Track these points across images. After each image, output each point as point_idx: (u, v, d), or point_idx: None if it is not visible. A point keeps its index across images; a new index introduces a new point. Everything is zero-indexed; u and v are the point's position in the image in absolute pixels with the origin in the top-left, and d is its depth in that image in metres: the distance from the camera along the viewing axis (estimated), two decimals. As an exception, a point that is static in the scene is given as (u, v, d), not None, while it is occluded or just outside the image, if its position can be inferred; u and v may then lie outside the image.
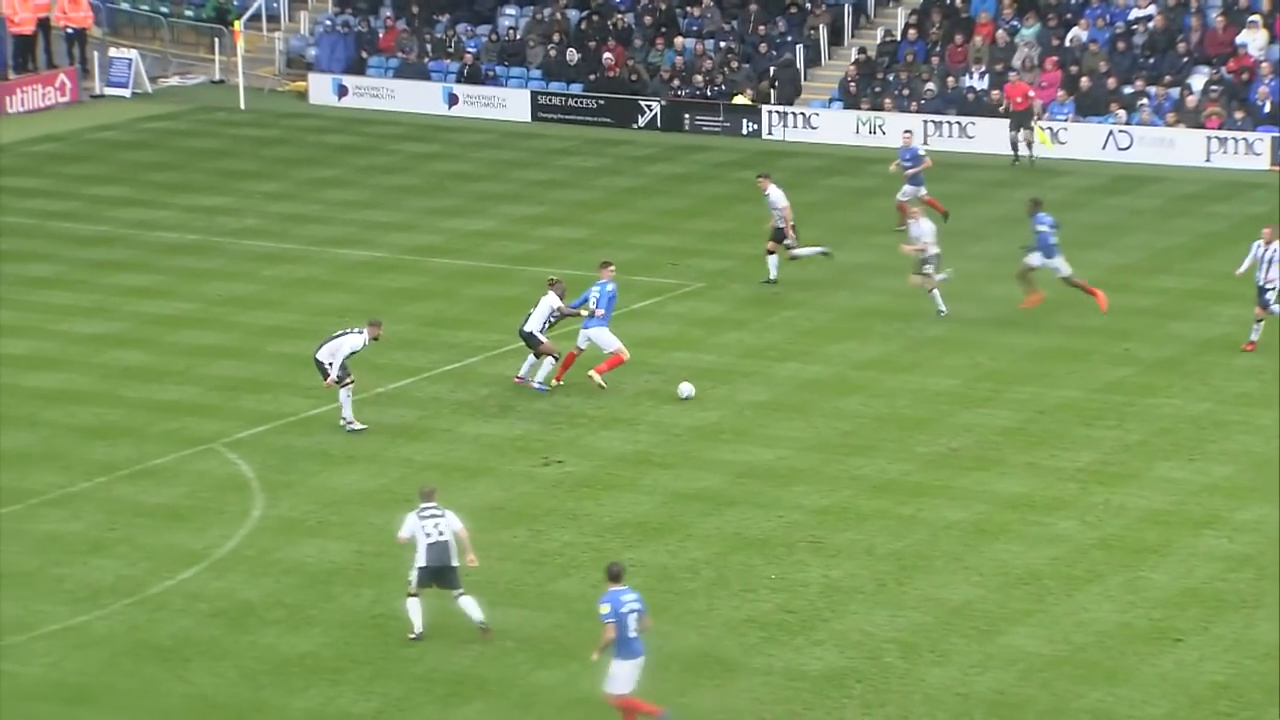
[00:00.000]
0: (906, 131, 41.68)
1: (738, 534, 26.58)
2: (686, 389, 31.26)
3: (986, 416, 30.67)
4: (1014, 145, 46.66)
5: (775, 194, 36.45)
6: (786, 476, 28.48)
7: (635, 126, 50.95)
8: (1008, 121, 46.77)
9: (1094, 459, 28.97)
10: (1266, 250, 32.75)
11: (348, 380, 30.18)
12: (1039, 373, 32.69)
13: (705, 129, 50.43)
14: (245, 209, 43.60)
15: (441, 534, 23.73)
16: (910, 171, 40.26)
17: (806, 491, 27.88)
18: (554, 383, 31.76)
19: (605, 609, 21.37)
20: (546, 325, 31.54)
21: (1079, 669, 22.76)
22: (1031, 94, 46.92)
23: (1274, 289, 32.82)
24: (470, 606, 23.65)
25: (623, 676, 21.44)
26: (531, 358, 31.83)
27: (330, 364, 29.98)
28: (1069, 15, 50.46)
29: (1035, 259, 34.64)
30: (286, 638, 23.73)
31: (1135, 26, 49.58)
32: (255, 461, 29.14)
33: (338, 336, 30.34)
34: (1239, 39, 48.51)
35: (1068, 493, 27.73)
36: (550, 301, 31.53)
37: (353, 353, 30.11)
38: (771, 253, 36.67)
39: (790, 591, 24.86)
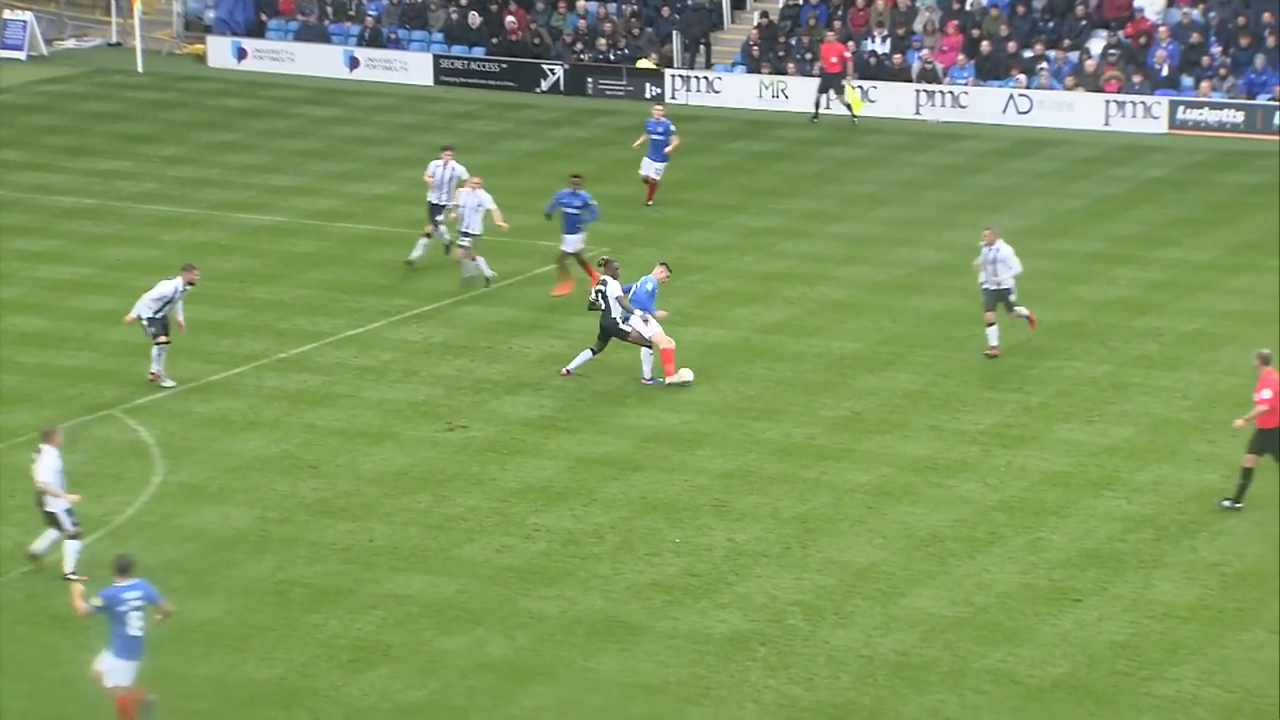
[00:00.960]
0: (658, 105, 40.50)
1: (643, 498, 26.68)
2: (687, 374, 30.72)
3: (890, 380, 30.89)
4: (816, 104, 46.92)
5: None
6: (691, 441, 28.57)
7: (538, 90, 50.90)
8: (817, 81, 47.17)
9: (996, 421, 29.21)
10: (989, 251, 31.57)
11: (161, 338, 29.83)
12: (942, 336, 32.93)
13: (609, 93, 50.42)
14: (144, 173, 43.34)
15: None
16: (668, 150, 39.32)
17: (711, 456, 27.99)
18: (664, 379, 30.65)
19: (98, 602, 20.68)
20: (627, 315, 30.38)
21: (981, 630, 22.95)
22: (846, 55, 47.26)
23: (997, 288, 31.33)
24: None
25: (120, 671, 20.72)
26: (588, 353, 30.79)
27: (141, 317, 29.62)
28: (969, -19, 50.89)
29: (569, 244, 33.84)
30: (188, 604, 23.47)
31: (1034, -9, 50.07)
32: (156, 427, 28.98)
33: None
34: (1137, 3, 49.13)
35: (970, 455, 27.97)
36: (614, 290, 30.52)
37: (163, 299, 29.59)
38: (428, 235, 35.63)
39: (695, 555, 24.95)
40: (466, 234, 34.64)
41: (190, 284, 30.06)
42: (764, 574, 24.46)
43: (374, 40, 52.98)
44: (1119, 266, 36.57)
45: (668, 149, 39.73)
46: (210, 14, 55.19)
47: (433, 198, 35.64)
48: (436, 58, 52.17)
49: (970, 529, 25.62)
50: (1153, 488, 26.79)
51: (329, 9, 54.18)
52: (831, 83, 46.99)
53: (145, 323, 29.95)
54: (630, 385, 30.57)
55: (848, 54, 47.45)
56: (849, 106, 46.89)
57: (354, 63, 52.76)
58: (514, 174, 43.64)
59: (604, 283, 30.73)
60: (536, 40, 51.96)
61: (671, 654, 22.47)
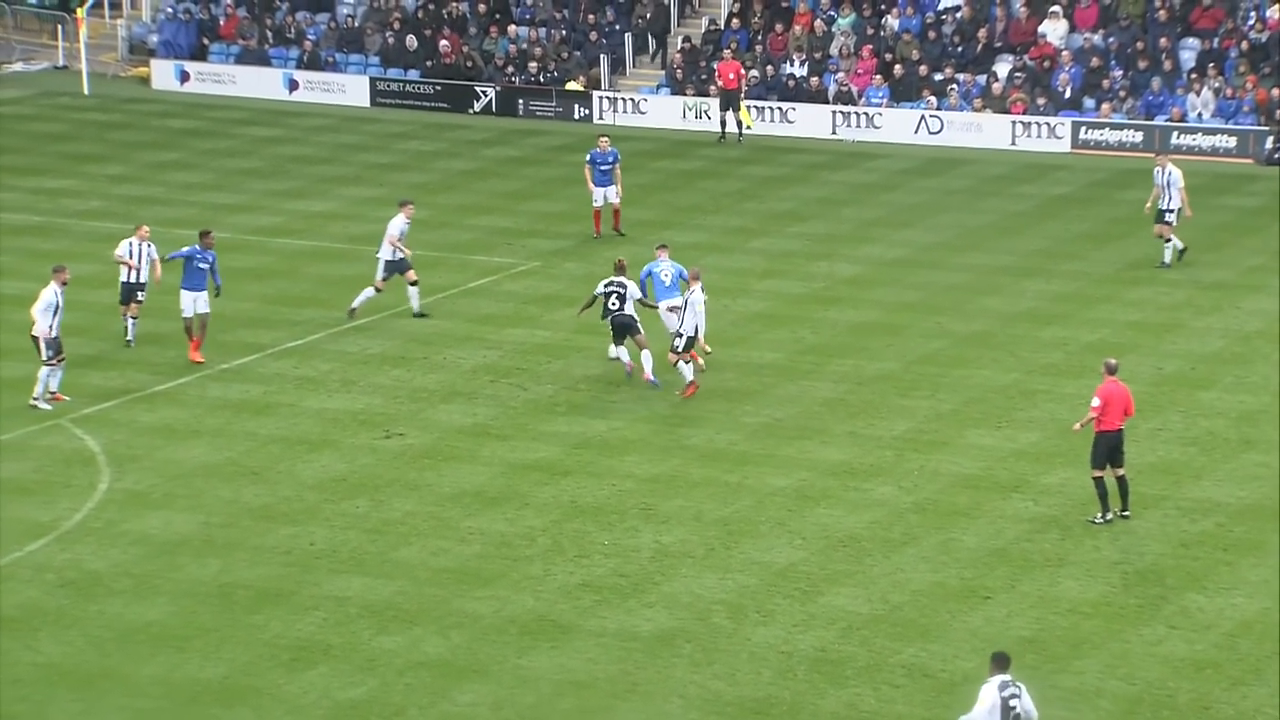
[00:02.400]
0: (604, 137, 40.07)
1: (573, 502, 27.00)
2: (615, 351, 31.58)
3: (809, 388, 31.32)
4: (722, 123, 47.85)
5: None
6: (619, 447, 28.95)
7: (471, 111, 51.59)
8: (717, 100, 47.95)
9: (909, 427, 29.74)
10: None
11: (53, 360, 29.91)
12: (858, 346, 33.44)
13: (539, 114, 51.21)
14: (89, 191, 43.56)
15: None
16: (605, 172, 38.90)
17: (638, 461, 28.38)
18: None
19: None
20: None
21: (896, 626, 23.31)
22: (742, 73, 48.18)
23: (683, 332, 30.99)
24: None
25: None
26: (616, 349, 31.60)
27: (38, 338, 29.70)
28: (883, 6, 51.85)
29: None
30: (133, 607, 23.83)
31: (945, 16, 51.05)
32: (102, 436, 29.20)
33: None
34: (1041, 28, 49.97)
35: (885, 460, 28.41)
36: (634, 291, 31.41)
37: (51, 307, 29.69)
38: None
39: (623, 557, 25.29)
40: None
41: (64, 284, 30.17)
42: (689, 574, 24.78)
43: (313, 63, 53.55)
44: (1026, 279, 37.17)
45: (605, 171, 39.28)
46: (154, 38, 55.44)
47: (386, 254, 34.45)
48: (373, 80, 52.80)
49: (885, 530, 26.07)
50: (1058, 490, 27.24)
51: (269, 34, 54.72)
52: (731, 99, 47.89)
53: (44, 344, 29.85)
54: (561, 394, 31.05)
55: (743, 71, 48.36)
56: (739, 122, 47.79)
57: (293, 85, 53.31)
58: (448, 192, 44.12)
59: (623, 285, 31.42)
60: (469, 63, 52.70)
61: (600, 651, 22.74)
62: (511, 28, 53.09)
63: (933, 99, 48.90)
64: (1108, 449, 26.29)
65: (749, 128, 47.73)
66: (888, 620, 23.63)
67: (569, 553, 25.58)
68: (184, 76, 53.92)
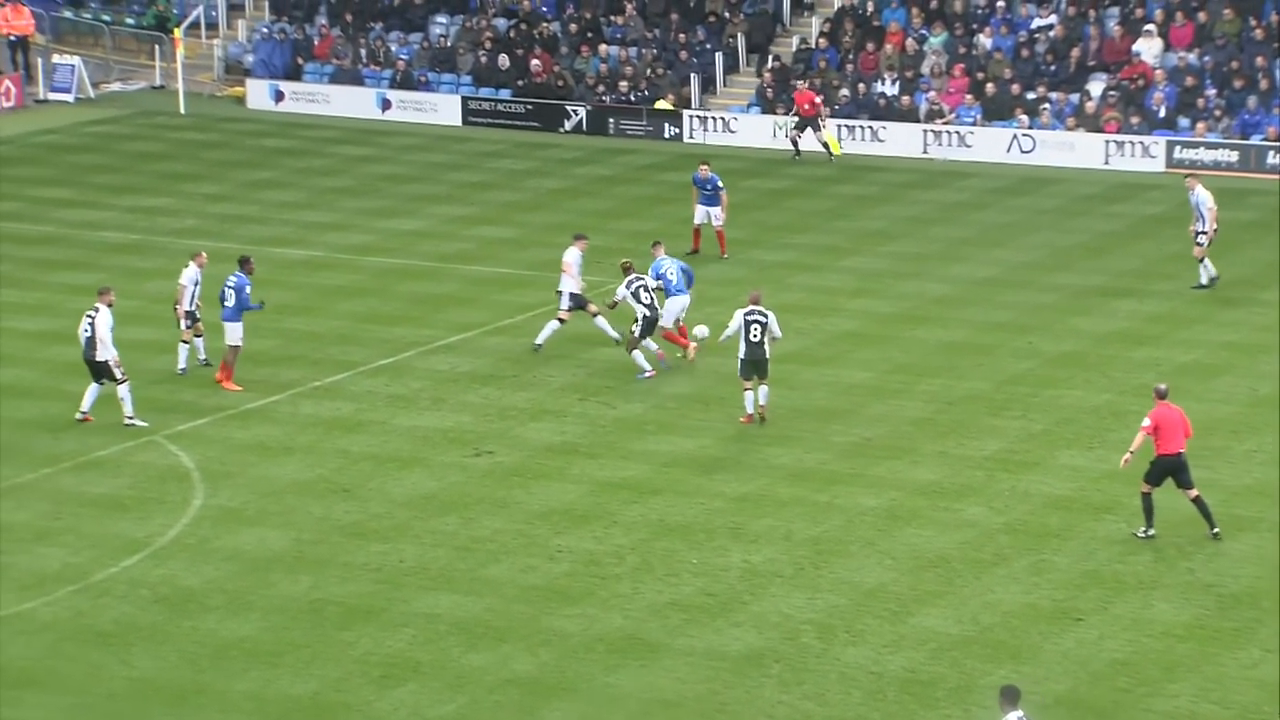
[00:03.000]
0: (704, 164, 40.17)
1: (661, 521, 27.07)
2: (701, 330, 32.38)
3: (898, 408, 31.29)
4: (794, 143, 48.32)
5: None
6: (708, 466, 28.99)
7: (562, 130, 51.83)
8: (794, 123, 48.36)
9: (1000, 448, 29.66)
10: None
11: (121, 378, 30.31)
12: (948, 366, 33.39)
13: (629, 133, 51.38)
14: (185, 210, 43.95)
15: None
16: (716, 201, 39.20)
17: (727, 480, 28.41)
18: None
19: None
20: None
21: (986, 648, 23.21)
22: (818, 100, 48.36)
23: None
24: None
25: None
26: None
27: (109, 360, 30.15)
28: (975, 24, 51.69)
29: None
30: (226, 623, 24.05)
31: (1037, 35, 50.84)
32: (196, 453, 29.49)
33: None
34: (1135, 47, 49.68)
35: (975, 480, 28.35)
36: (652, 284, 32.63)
37: (110, 328, 30.19)
38: None
39: (711, 576, 25.31)
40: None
41: (109, 305, 30.58)
42: (778, 594, 24.80)
43: (405, 83, 53.99)
44: (1119, 299, 36.99)
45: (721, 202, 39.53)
46: (250, 58, 56.07)
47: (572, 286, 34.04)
48: (465, 99, 53.15)
49: (976, 551, 25.99)
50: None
51: (362, 53, 55.20)
52: (808, 124, 48.19)
53: (115, 363, 30.30)
54: (651, 412, 31.14)
55: (819, 99, 48.54)
56: (826, 146, 47.94)
57: (386, 104, 53.74)
58: (539, 210, 44.36)
59: (644, 284, 32.21)
60: (560, 82, 52.95)
61: (689, 671, 22.74)
62: (603, 47, 53.31)
63: (1025, 118, 48.71)
64: (1165, 471, 26.20)
65: (837, 156, 47.67)
66: (978, 642, 23.53)
67: (657, 571, 25.62)
68: (279, 96, 54.48)
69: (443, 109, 53.08)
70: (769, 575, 25.46)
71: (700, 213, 39.57)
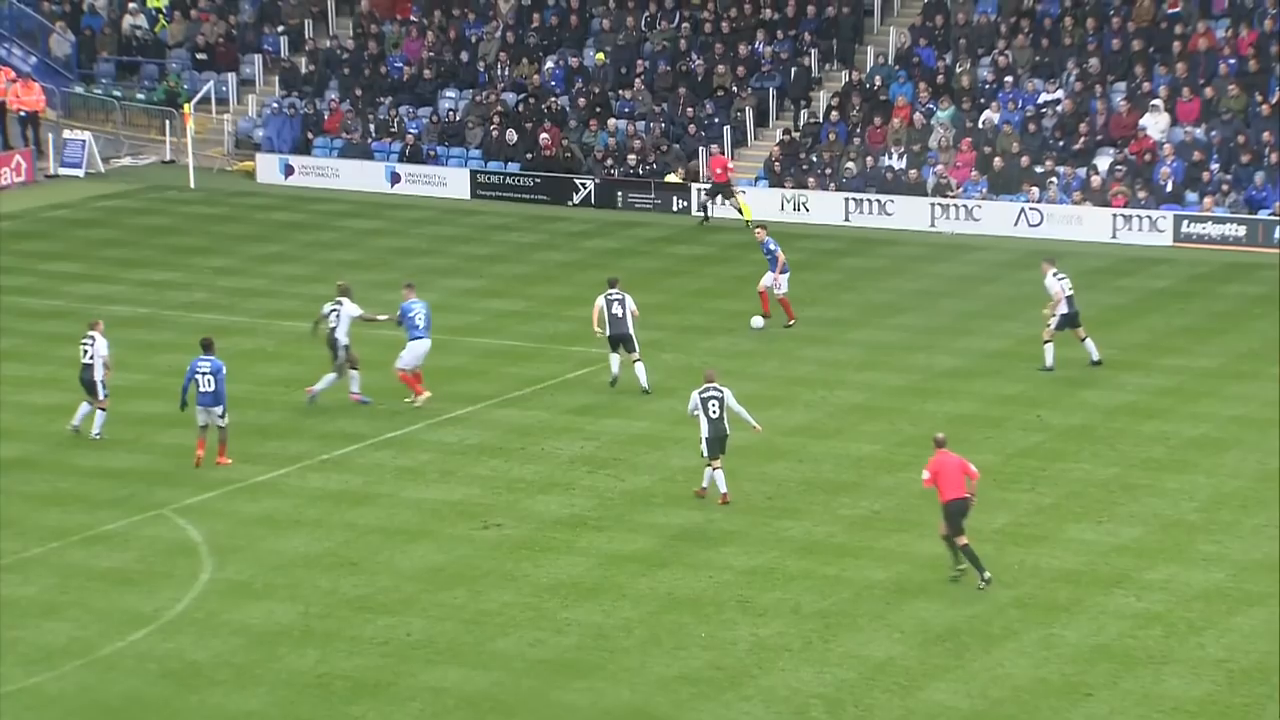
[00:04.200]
0: (759, 228, 40.83)
1: (669, 594, 27.04)
2: (757, 322, 33.89)
3: (907, 481, 31.14)
4: (704, 208, 49.59)
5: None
6: (716, 539, 28.98)
7: (570, 203, 52.03)
8: (708, 188, 49.68)
9: (1009, 521, 29.65)
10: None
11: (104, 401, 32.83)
12: (956, 438, 32.85)
13: (638, 206, 51.58)
14: (194, 283, 44.06)
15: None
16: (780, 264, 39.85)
17: (735, 553, 28.40)
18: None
19: None
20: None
21: None
22: (730, 166, 49.51)
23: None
24: None
25: None
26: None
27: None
28: (982, 99, 51.95)
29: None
30: (233, 697, 24.03)
31: (1044, 110, 51.07)
32: (203, 526, 29.52)
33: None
34: (1142, 122, 49.84)
35: (985, 553, 28.07)
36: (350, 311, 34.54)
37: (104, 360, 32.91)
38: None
39: (720, 649, 25.29)
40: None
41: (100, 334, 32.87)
42: (787, 667, 24.75)
43: (414, 157, 54.25)
44: (1127, 373, 36.98)
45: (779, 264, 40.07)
46: (259, 133, 56.41)
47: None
48: (474, 172, 53.39)
49: (985, 624, 25.93)
50: (1161, 586, 27.07)
51: (372, 128, 55.50)
52: (720, 190, 49.18)
53: (102, 385, 32.70)
54: (659, 485, 31.14)
55: (730, 165, 49.54)
56: (740, 211, 48.84)
57: (395, 178, 53.99)
58: (547, 283, 44.47)
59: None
60: (568, 155, 53.23)
61: None
62: (611, 121, 53.59)
63: (1034, 191, 48.85)
64: (956, 515, 27.17)
65: (749, 221, 48.04)
66: (988, 716, 23.49)
67: (666, 644, 25.60)
68: (288, 170, 54.76)
69: (451, 182, 53.33)
70: (777, 649, 25.43)
71: (767, 277, 40.21)
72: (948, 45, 53.51)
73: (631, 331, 35.45)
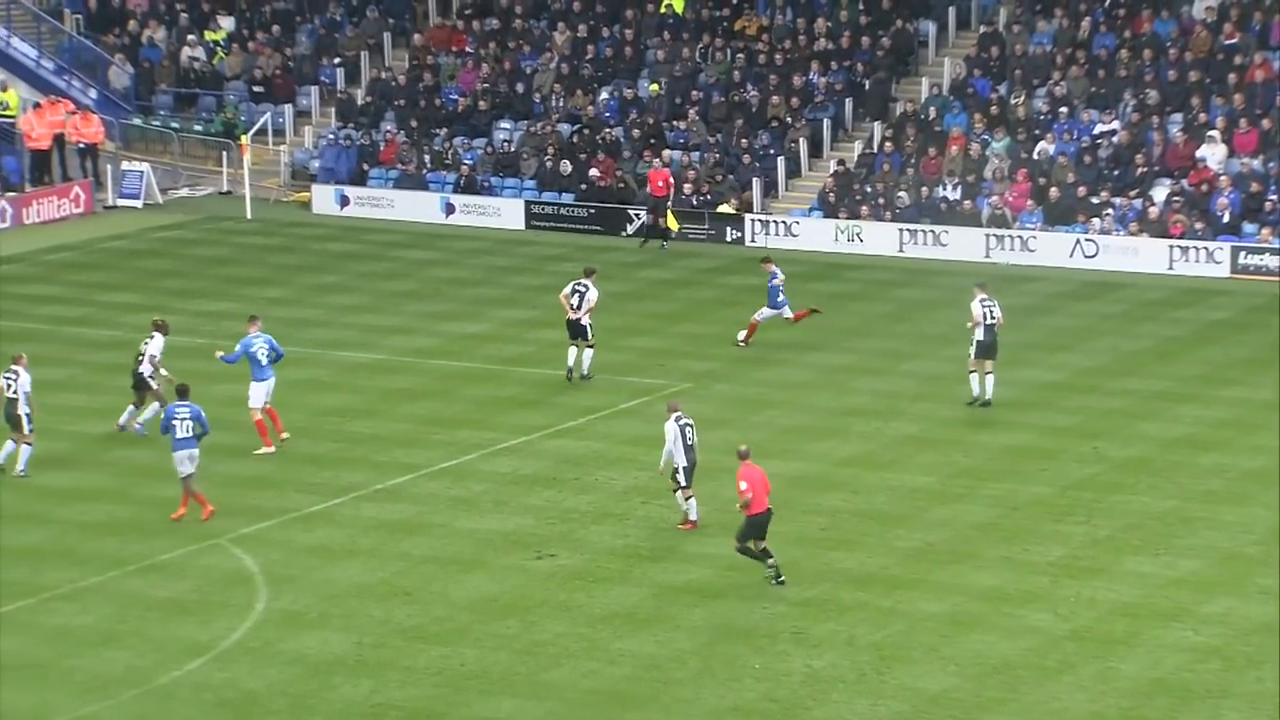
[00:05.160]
0: (766, 260, 41.11)
1: (723, 625, 27.02)
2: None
3: (961, 512, 31.24)
4: (645, 228, 50.15)
5: None
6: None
7: (624, 234, 52.13)
8: (645, 207, 50.24)
9: (1065, 553, 29.55)
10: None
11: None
12: (1011, 470, 33.34)
13: (691, 236, 51.61)
14: (251, 314, 44.37)
15: None
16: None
17: (789, 584, 28.36)
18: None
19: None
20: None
21: None
22: (670, 181, 50.22)
23: None
24: None
25: None
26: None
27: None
28: (1037, 130, 51.82)
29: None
30: None
31: (1100, 140, 50.91)
32: (259, 556, 29.66)
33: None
34: (1199, 153, 49.59)
35: (1040, 586, 28.24)
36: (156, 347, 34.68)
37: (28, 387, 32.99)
38: None
39: (774, 681, 25.28)
40: None
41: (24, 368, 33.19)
42: (840, 699, 24.73)
43: (469, 187, 54.48)
44: (1184, 405, 36.86)
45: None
46: (315, 164, 56.76)
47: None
48: (528, 203, 53.58)
49: (1041, 658, 25.84)
50: (1219, 619, 26.97)
51: (427, 158, 55.77)
52: (659, 205, 49.71)
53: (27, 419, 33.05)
54: (712, 515, 31.08)
55: (672, 180, 50.10)
56: (665, 229, 49.59)
57: (450, 208, 54.21)
58: (601, 314, 44.45)
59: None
60: (622, 185, 53.34)
61: None
62: (665, 151, 53.66)
63: (1097, 221, 48.63)
64: (759, 528, 28.32)
65: (675, 232, 49.00)
66: (1044, 750, 23.26)
67: (720, 676, 25.57)
68: (344, 201, 55.02)
69: (505, 213, 53.48)
70: (832, 680, 25.39)
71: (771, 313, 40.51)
72: (1003, 76, 53.42)
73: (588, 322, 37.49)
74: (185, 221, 53.89)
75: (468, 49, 58.89)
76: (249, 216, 53.94)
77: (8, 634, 26.89)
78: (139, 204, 55.30)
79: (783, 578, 28.41)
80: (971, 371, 36.89)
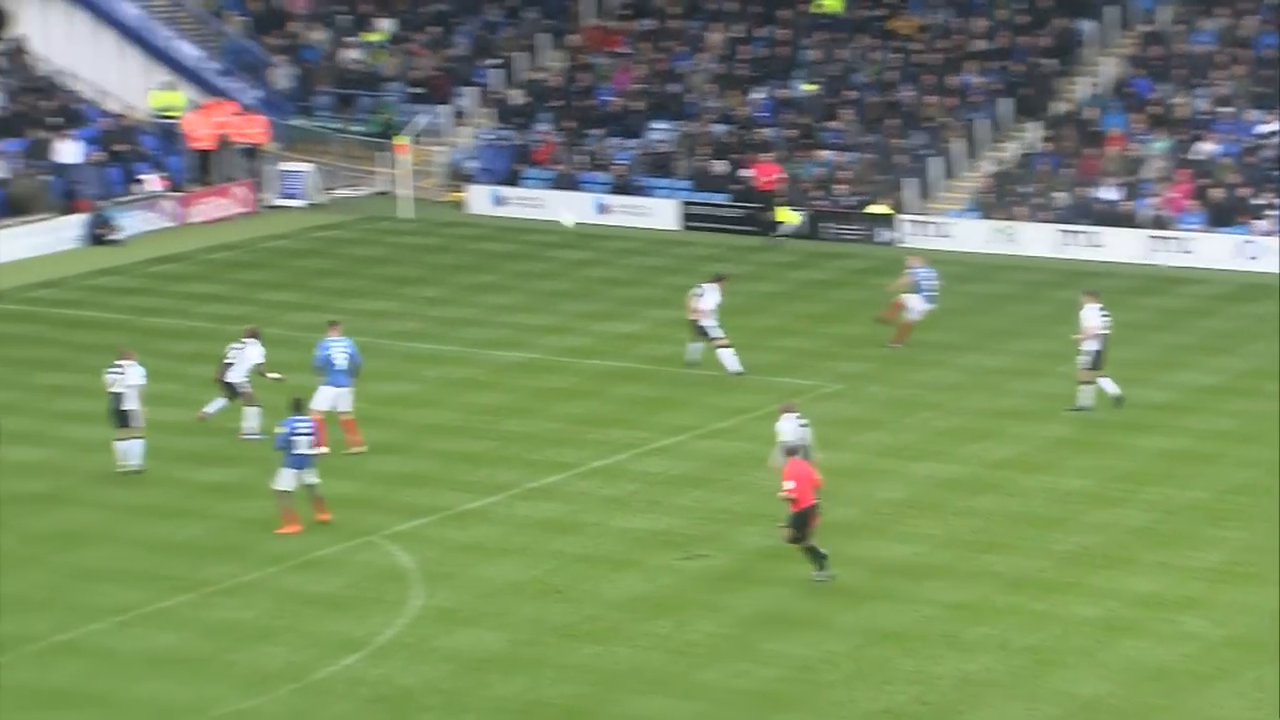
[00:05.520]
0: (914, 256, 41.14)
1: (875, 627, 26.95)
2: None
3: (1118, 516, 30.94)
4: (769, 224, 49.80)
5: None
6: (922, 572, 28.86)
7: (776, 235, 52.06)
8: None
9: (1223, 559, 29.20)
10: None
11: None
12: (1168, 474, 32.93)
13: (844, 237, 51.43)
14: (407, 313, 44.68)
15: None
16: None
17: (942, 587, 28.26)
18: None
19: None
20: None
21: None
22: (782, 175, 50.24)
23: None
24: None
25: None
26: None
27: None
28: (1197, 130, 51.04)
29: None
30: None
31: (1263, 141, 50.03)
32: (413, 553, 29.88)
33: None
34: (1363, 153, 48.89)
35: (1197, 591, 27.92)
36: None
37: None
38: None
39: (926, 684, 25.18)
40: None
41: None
42: (994, 704, 24.56)
43: (622, 188, 54.69)
44: (1347, 408, 36.29)
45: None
46: (471, 164, 57.30)
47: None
48: (683, 203, 53.67)
49: (1197, 664, 25.57)
50: None
51: (587, 158, 56.01)
52: (769, 199, 49.71)
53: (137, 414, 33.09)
54: (863, 518, 30.99)
55: (783, 174, 49.82)
56: (779, 221, 49.67)
57: (603, 208, 54.49)
58: (753, 314, 44.46)
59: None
60: (782, 186, 53.21)
61: None
62: (820, 152, 53.52)
63: (1261, 223, 47.82)
64: (808, 522, 28.27)
65: (792, 226, 48.90)
66: (1201, 757, 23.03)
67: (872, 679, 25.49)
68: (499, 201, 55.44)
69: (658, 213, 53.60)
70: (985, 684, 25.23)
71: (913, 305, 40.26)
72: (1164, 75, 52.70)
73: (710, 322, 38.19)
74: (343, 221, 54.47)
75: (623, 49, 59.10)
76: (406, 216, 54.37)
77: (171, 628, 27.34)
78: (300, 204, 55.98)
79: (827, 573, 28.26)
80: (1086, 384, 36.16)
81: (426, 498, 32.37)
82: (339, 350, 34.30)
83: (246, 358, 34.97)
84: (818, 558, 28.52)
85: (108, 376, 33.49)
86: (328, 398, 34.07)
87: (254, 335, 35.38)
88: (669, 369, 39.88)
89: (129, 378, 33.28)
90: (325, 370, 34.17)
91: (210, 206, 54.69)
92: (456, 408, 37.19)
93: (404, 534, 30.76)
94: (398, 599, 28.23)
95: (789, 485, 28.21)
